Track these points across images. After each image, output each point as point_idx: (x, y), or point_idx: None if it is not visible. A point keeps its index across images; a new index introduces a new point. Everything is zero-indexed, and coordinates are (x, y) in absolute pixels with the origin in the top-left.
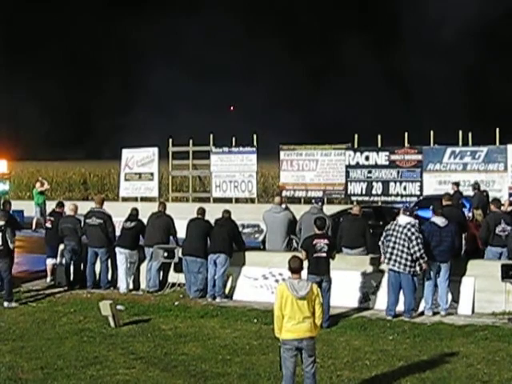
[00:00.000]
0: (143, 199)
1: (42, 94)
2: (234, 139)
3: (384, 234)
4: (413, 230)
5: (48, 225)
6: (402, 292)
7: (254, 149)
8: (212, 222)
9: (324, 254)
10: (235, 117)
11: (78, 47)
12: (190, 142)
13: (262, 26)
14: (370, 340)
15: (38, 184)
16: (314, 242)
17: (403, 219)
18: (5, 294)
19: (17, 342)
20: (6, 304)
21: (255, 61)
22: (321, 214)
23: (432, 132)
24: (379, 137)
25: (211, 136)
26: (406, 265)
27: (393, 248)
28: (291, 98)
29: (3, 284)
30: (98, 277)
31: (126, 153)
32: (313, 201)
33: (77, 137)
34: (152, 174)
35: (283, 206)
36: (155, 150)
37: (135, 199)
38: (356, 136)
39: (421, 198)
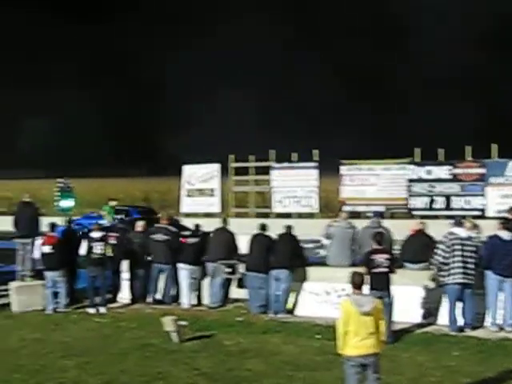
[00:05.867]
0: (205, 215)
1: (107, 113)
2: (295, 154)
3: (444, 247)
4: (475, 241)
5: (113, 241)
6: (462, 305)
7: (316, 164)
8: (274, 237)
9: (384, 269)
10: (295, 131)
11: (144, 63)
12: (252, 157)
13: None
14: (434, 356)
15: (111, 202)
16: (373, 257)
17: (462, 232)
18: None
19: (81, 358)
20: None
21: (314, 77)
22: (380, 228)
23: (496, 145)
24: (441, 151)
25: (272, 151)
26: (473, 275)
27: (463, 262)
28: (351, 111)
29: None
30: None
31: (188, 169)
32: (368, 214)
33: (139, 154)
34: (213, 190)
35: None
36: (217, 166)
37: (197, 215)
38: (418, 150)
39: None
